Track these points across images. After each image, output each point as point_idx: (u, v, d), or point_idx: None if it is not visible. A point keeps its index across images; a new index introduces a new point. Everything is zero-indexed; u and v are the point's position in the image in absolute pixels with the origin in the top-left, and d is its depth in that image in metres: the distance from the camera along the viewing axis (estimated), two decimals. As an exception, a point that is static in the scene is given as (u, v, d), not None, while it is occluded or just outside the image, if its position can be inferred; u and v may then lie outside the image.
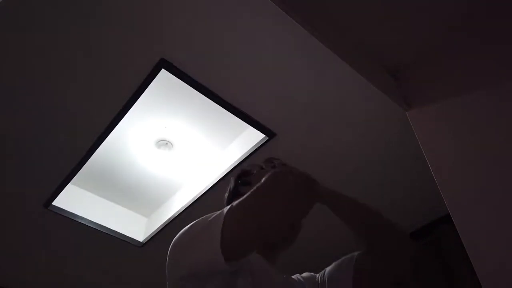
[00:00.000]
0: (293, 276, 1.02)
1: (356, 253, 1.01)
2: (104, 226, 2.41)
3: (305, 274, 1.04)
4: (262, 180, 0.81)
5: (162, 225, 2.35)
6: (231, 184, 1.10)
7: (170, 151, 2.17)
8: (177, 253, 0.81)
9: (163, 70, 1.67)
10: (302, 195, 0.87)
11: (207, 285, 0.79)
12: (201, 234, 0.78)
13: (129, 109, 1.82)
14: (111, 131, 1.92)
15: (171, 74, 1.69)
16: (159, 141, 2.13)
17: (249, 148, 2.03)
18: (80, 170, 2.08)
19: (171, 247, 0.82)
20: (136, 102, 1.80)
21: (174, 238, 0.83)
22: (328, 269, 1.04)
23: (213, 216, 0.79)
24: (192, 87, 1.74)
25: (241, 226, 0.77)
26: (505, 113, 1.31)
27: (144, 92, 1.76)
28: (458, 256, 1.98)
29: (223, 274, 0.79)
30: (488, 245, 1.22)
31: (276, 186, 0.81)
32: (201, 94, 1.77)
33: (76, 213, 2.32)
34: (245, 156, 2.03)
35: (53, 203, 2.23)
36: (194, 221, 0.83)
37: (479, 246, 1.23)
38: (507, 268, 1.15)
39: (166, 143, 2.14)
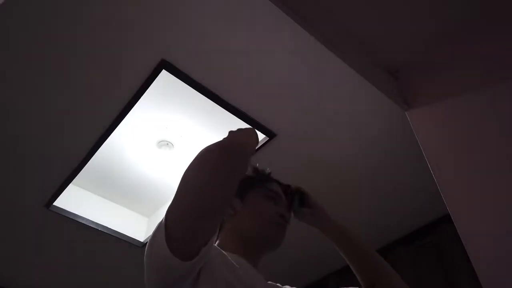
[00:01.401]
0: (283, 286, 1.00)
1: None
2: (105, 226, 2.41)
3: None
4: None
5: (163, 225, 2.35)
6: None
7: (171, 151, 2.17)
8: (145, 270, 0.76)
9: (164, 71, 1.67)
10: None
11: None
12: (154, 240, 0.73)
13: (130, 110, 1.83)
14: (112, 132, 1.93)
15: (172, 75, 1.69)
16: (160, 142, 2.14)
17: (249, 148, 2.03)
18: (81, 171, 2.09)
19: (144, 261, 0.77)
20: (137, 103, 1.81)
21: None
22: None
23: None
24: (193, 88, 1.75)
25: (176, 211, 0.72)
26: (504, 112, 1.31)
27: (145, 93, 1.77)
28: (458, 256, 1.99)
29: (193, 272, 0.74)
30: (488, 245, 1.22)
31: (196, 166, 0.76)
32: (201, 95, 1.77)
33: (77, 214, 2.33)
34: (246, 156, 2.03)
35: (54, 204, 2.24)
36: None
37: (479, 246, 1.23)
38: (507, 267, 1.16)
39: (167, 144, 2.15)
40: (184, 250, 0.70)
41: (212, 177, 0.74)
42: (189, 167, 0.76)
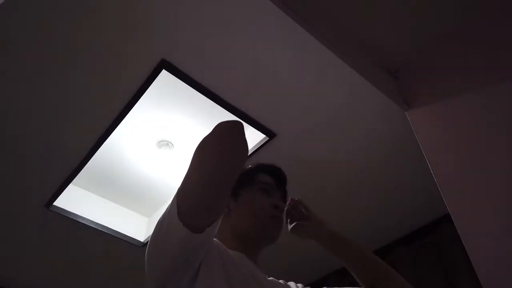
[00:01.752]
0: (288, 282, 1.00)
1: None
2: (105, 226, 2.41)
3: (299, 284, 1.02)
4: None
5: (163, 225, 2.35)
6: None
7: (171, 151, 2.17)
8: (151, 250, 0.78)
9: (164, 70, 1.67)
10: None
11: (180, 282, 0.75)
12: (164, 218, 0.77)
13: (130, 109, 1.83)
14: (112, 132, 1.93)
15: (172, 75, 1.69)
16: (160, 142, 2.14)
17: (249, 148, 2.03)
18: (82, 171, 2.09)
19: (146, 253, 0.79)
20: (137, 103, 1.81)
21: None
22: None
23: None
24: (193, 88, 1.75)
25: (188, 187, 0.75)
26: (504, 112, 1.31)
27: (145, 92, 1.77)
28: (458, 256, 1.99)
29: (197, 257, 0.76)
30: (488, 245, 1.22)
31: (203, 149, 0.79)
32: (201, 95, 1.77)
33: (78, 214, 2.33)
34: (246, 156, 2.03)
35: (54, 204, 2.24)
36: None
37: (479, 246, 1.23)
38: (507, 267, 1.16)
39: (167, 143, 2.15)
40: (191, 224, 0.72)
41: (223, 150, 0.77)
42: (202, 140, 0.79)
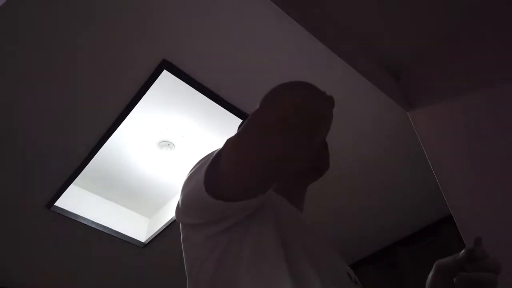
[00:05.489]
0: None
1: None
2: (106, 227, 2.41)
3: None
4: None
5: (164, 225, 2.35)
6: None
7: (172, 152, 2.17)
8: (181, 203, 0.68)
9: (165, 71, 1.67)
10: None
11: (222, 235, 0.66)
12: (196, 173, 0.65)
13: (131, 110, 1.83)
14: (113, 132, 1.93)
15: (173, 75, 1.69)
16: (161, 142, 2.14)
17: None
18: (83, 171, 2.09)
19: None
20: (138, 103, 1.81)
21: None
22: None
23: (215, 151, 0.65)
24: (194, 88, 1.75)
25: (234, 164, 0.62)
26: (505, 112, 1.31)
27: (146, 93, 1.77)
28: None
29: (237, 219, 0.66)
30: (490, 245, 1.22)
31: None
32: (202, 95, 1.77)
33: (79, 214, 2.33)
34: (247, 156, 2.03)
35: (55, 204, 2.24)
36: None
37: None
38: (509, 267, 1.15)
39: (168, 144, 2.14)
40: (221, 195, 0.61)
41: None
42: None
